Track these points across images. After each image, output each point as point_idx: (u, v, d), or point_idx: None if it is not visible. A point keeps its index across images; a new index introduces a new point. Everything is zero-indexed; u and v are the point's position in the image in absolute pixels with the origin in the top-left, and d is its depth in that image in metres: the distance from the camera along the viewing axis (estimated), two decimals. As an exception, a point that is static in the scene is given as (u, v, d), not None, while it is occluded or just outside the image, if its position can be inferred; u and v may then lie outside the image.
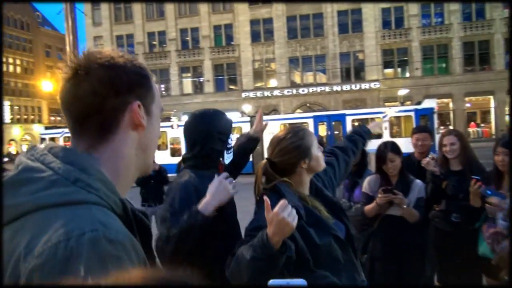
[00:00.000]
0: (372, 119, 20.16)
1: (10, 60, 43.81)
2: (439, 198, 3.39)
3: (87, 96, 0.75)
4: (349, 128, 19.01)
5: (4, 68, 42.73)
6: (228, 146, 2.01)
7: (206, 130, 1.92)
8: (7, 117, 42.32)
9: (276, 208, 1.34)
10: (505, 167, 2.93)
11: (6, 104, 42.03)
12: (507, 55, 29.37)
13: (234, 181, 1.81)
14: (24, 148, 43.68)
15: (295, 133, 1.74)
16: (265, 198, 1.39)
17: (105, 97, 0.76)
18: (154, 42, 35.24)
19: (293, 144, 1.69)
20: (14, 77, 43.67)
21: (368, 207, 3.21)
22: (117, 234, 0.64)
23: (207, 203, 1.69)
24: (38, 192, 0.65)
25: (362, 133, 2.40)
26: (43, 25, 48.63)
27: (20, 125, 43.20)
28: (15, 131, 42.75)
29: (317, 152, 1.73)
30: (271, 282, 1.09)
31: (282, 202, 1.36)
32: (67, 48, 9.93)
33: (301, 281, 1.08)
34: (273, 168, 1.71)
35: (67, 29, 9.87)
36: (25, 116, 44.30)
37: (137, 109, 0.80)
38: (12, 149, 40.83)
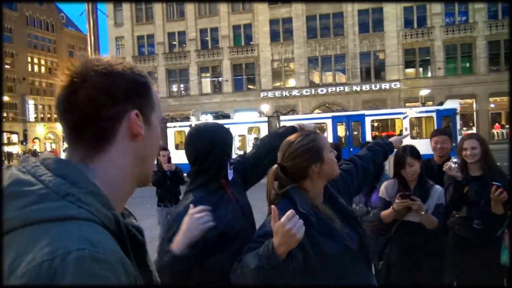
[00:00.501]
0: (392, 119, 19.85)
1: (35, 60, 45.11)
2: (460, 205, 3.27)
3: (83, 105, 0.73)
4: (368, 128, 18.77)
5: (29, 68, 43.99)
6: (231, 161, 1.92)
7: (211, 141, 1.83)
8: (31, 115, 43.50)
9: (283, 219, 1.30)
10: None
11: (31, 103, 43.21)
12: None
13: (209, 212, 1.61)
14: (48, 146, 44.84)
15: (306, 136, 1.70)
16: (273, 207, 1.36)
17: (101, 105, 0.74)
18: (174, 42, 35.62)
19: (303, 147, 1.65)
20: (38, 76, 44.92)
21: (384, 213, 3.13)
22: (106, 253, 0.61)
23: (178, 241, 1.58)
24: (27, 207, 0.63)
25: (384, 145, 2.33)
26: (67, 26, 49.90)
27: (44, 124, 44.39)
28: (39, 130, 43.97)
29: (330, 155, 1.68)
30: None
31: (289, 212, 1.32)
32: (88, 48, 10.15)
33: None
34: (284, 173, 1.67)
35: (89, 30, 10.07)
36: (49, 115, 45.49)
37: (135, 118, 0.78)
38: (36, 147, 41.99)
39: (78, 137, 0.75)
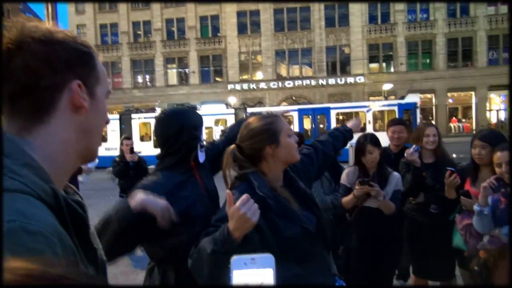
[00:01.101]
0: (356, 113, 20.33)
1: (-11, 47, 42.59)
2: (418, 190, 3.40)
3: (19, 73, 0.68)
4: (333, 121, 19.15)
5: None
6: (201, 143, 1.93)
7: (179, 124, 1.85)
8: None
9: (238, 203, 1.30)
10: (482, 160, 2.95)
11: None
12: (493, 51, 29.92)
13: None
14: None
15: (264, 117, 1.70)
16: (228, 192, 1.35)
17: (39, 74, 0.70)
18: (139, 32, 34.65)
19: (260, 128, 1.65)
20: (-7, 64, 42.48)
21: (345, 199, 3.20)
22: (39, 225, 0.57)
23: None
24: None
25: (344, 131, 2.38)
26: (23, 12, 47.35)
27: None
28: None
29: (287, 140, 1.67)
30: (235, 258, 1.03)
31: (244, 196, 1.31)
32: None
33: (267, 255, 1.03)
34: (242, 153, 1.67)
35: (47, 16, 9.61)
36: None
37: (77, 89, 0.74)
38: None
39: (13, 108, 0.71)
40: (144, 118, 20.32)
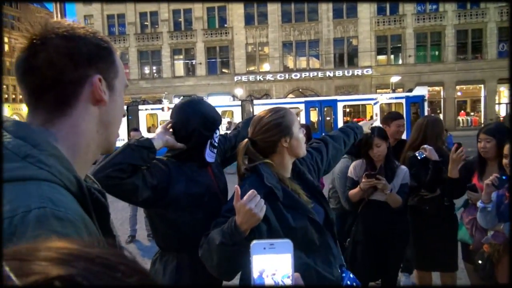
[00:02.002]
0: (363, 105, 20.24)
1: (-2, 38, 42.81)
2: (436, 185, 3.33)
3: (43, 68, 0.72)
4: (340, 113, 19.07)
5: (-8, 46, 41.72)
6: (214, 143, 1.97)
7: (192, 112, 1.89)
8: (-5, 96, 41.55)
9: (244, 198, 1.34)
10: (487, 153, 2.95)
11: (-6, 82, 41.20)
12: (503, 44, 29.48)
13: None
14: (13, 128, 43.01)
15: (276, 111, 1.73)
16: (236, 187, 1.39)
17: (62, 69, 0.73)
18: (146, 23, 34.62)
19: (273, 122, 1.68)
20: (1, 55, 42.68)
21: (352, 192, 3.22)
22: (67, 211, 0.61)
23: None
24: None
25: (355, 128, 2.42)
26: (31, 2, 47.48)
27: (8, 105, 42.50)
28: (3, 111, 42.04)
29: (298, 132, 1.71)
30: (254, 242, 1.06)
31: (250, 192, 1.35)
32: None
33: (286, 241, 1.06)
34: (255, 147, 1.70)
35: (55, 7, 9.64)
36: (14, 96, 43.59)
37: (98, 83, 0.77)
38: (0, 128, 40.21)
39: (38, 101, 0.74)
40: (151, 109, 20.40)
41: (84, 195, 0.69)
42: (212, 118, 1.94)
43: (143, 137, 1.82)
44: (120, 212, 7.16)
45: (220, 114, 2.07)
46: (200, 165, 1.93)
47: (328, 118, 19.55)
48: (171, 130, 1.90)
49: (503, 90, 31.04)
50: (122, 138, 16.06)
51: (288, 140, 1.67)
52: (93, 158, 0.83)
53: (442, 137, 3.44)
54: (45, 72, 0.72)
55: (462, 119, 30.90)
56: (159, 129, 1.89)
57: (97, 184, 0.89)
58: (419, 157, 3.23)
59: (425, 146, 3.28)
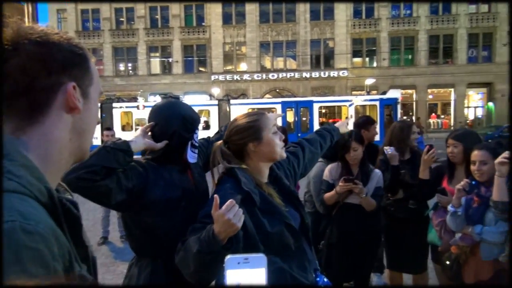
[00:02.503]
0: (339, 107, 20.55)
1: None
2: (397, 188, 3.50)
3: (15, 74, 0.70)
4: (316, 114, 19.30)
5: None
6: (195, 143, 1.96)
7: (171, 113, 1.89)
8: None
9: (223, 208, 1.33)
10: (455, 158, 3.06)
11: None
12: (472, 49, 30.58)
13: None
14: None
15: (251, 115, 1.74)
16: (215, 196, 1.38)
17: (35, 75, 0.71)
18: (121, 19, 33.93)
19: (244, 125, 1.69)
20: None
21: (327, 195, 3.27)
22: (37, 224, 0.59)
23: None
24: None
25: (331, 130, 2.42)
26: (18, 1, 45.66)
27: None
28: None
29: (271, 137, 1.70)
30: (229, 257, 1.06)
31: (229, 202, 1.35)
32: (26, 20, 9.43)
33: (260, 255, 1.06)
34: (228, 149, 1.72)
35: (27, 1, 9.33)
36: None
37: (72, 91, 0.75)
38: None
39: (9, 108, 0.72)
40: (126, 107, 20.02)
41: (55, 206, 0.68)
42: (191, 119, 1.94)
43: (120, 139, 1.80)
44: (92, 212, 7.01)
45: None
46: (180, 169, 1.92)
47: (304, 119, 19.73)
48: (149, 133, 1.88)
49: (472, 94, 32.22)
50: (95, 136, 15.69)
51: (256, 144, 1.67)
52: (65, 167, 0.81)
53: (407, 142, 3.54)
54: (17, 79, 0.70)
55: (433, 122, 31.85)
56: (138, 132, 1.89)
57: (70, 193, 0.87)
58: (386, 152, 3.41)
59: (387, 149, 3.40)
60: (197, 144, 1.99)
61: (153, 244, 1.84)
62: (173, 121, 1.87)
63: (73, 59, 0.77)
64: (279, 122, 18.08)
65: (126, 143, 1.75)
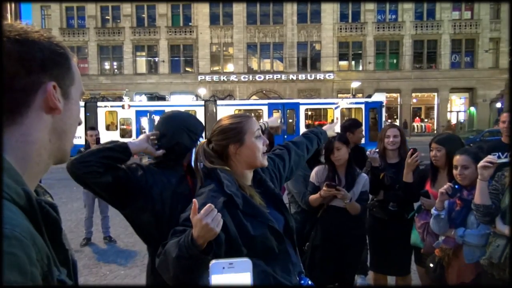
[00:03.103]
0: (325, 109, 20.73)
1: None
2: (377, 189, 3.54)
3: None
4: (302, 116, 19.40)
5: None
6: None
7: (177, 125, 1.99)
8: None
9: (201, 213, 1.32)
10: (438, 162, 3.11)
11: None
12: (455, 55, 31.23)
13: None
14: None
15: (236, 116, 1.73)
16: (194, 200, 1.37)
17: (13, 74, 0.68)
18: (107, 17, 33.54)
19: (227, 126, 1.68)
20: None
21: (312, 197, 3.27)
22: (13, 228, 0.57)
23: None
24: None
25: (318, 133, 2.41)
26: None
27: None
28: None
29: (253, 141, 1.67)
30: (213, 262, 1.05)
31: (207, 206, 1.33)
32: (8, 16, 9.22)
33: (245, 260, 1.05)
34: (212, 149, 1.71)
35: (9, -3, 9.14)
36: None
37: (52, 91, 0.73)
38: None
39: None
40: (111, 106, 19.78)
41: (33, 209, 0.65)
42: (195, 130, 2.03)
43: (118, 141, 1.91)
44: (74, 213, 6.89)
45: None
46: (180, 174, 1.98)
47: (290, 121, 19.82)
48: (153, 139, 1.99)
49: (455, 99, 32.87)
50: (78, 135, 15.48)
51: (238, 147, 1.65)
52: (45, 168, 0.78)
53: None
54: None
55: (417, 125, 32.37)
56: (142, 136, 2.02)
57: (50, 195, 0.84)
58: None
59: (370, 151, 3.46)
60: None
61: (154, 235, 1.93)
62: (178, 133, 1.99)
63: (53, 58, 0.74)
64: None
65: (125, 144, 1.88)
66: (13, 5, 9.06)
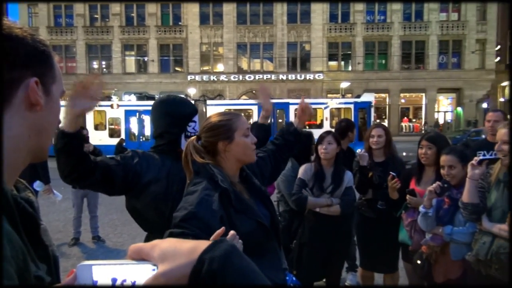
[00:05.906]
0: (314, 109, 20.78)
1: None
2: (366, 188, 3.59)
3: None
4: (292, 116, 19.45)
5: None
6: (189, 134, 2.07)
7: (164, 112, 2.05)
8: None
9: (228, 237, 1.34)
10: (427, 160, 3.15)
11: None
12: (443, 56, 31.64)
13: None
14: None
15: (226, 114, 1.75)
16: (218, 232, 1.36)
17: None
18: (96, 16, 33.20)
19: (217, 123, 1.69)
20: None
21: (315, 203, 3.29)
22: None
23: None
24: None
25: (286, 134, 2.40)
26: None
27: None
28: None
29: (242, 139, 1.70)
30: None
31: (231, 235, 1.36)
32: (-6, 13, 9.07)
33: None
34: (201, 145, 1.72)
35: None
36: None
37: (34, 86, 0.73)
38: None
39: None
40: (99, 106, 19.54)
41: (9, 205, 0.64)
42: (179, 115, 2.07)
43: (56, 142, 1.96)
44: (63, 213, 6.82)
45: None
46: (174, 158, 2.02)
47: (280, 121, 19.87)
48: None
49: (442, 99, 33.30)
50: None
51: (227, 143, 1.67)
52: (23, 164, 0.77)
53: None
54: None
55: (405, 125, 32.70)
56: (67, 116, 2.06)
57: (31, 191, 0.83)
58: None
59: (359, 150, 3.52)
60: (192, 134, 2.08)
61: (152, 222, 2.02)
62: (160, 121, 2.05)
63: (36, 55, 0.74)
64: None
65: (59, 131, 1.95)
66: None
